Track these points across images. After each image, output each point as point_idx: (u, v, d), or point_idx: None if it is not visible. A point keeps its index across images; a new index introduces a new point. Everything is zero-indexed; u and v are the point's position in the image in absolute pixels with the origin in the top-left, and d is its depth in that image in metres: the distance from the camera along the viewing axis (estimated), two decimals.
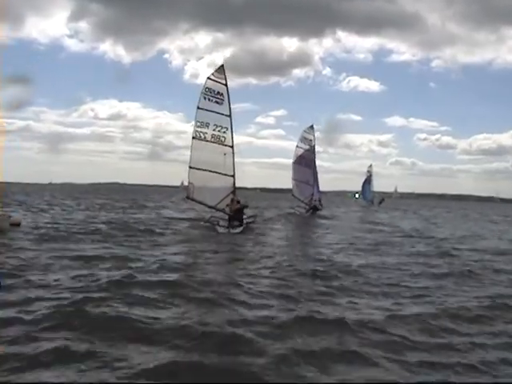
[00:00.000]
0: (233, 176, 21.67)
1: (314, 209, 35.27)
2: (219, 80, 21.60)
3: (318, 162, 37.47)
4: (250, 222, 21.63)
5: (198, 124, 21.51)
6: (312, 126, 36.47)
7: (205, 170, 21.20)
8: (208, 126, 21.42)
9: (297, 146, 35.95)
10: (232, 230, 19.58)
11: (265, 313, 7.54)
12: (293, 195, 36.04)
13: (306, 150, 35.67)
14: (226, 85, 21.82)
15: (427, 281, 10.82)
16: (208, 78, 21.76)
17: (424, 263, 13.46)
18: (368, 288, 9.71)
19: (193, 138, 21.51)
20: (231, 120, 21.82)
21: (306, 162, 35.40)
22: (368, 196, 59.40)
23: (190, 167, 21.39)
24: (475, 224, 35.23)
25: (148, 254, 12.83)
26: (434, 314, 7.81)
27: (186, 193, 21.53)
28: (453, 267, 12.76)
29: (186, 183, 21.27)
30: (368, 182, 59.71)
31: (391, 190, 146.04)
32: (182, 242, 16.38)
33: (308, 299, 8.56)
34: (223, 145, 21.58)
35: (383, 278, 10.71)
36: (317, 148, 37.35)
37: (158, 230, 19.21)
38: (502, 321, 7.74)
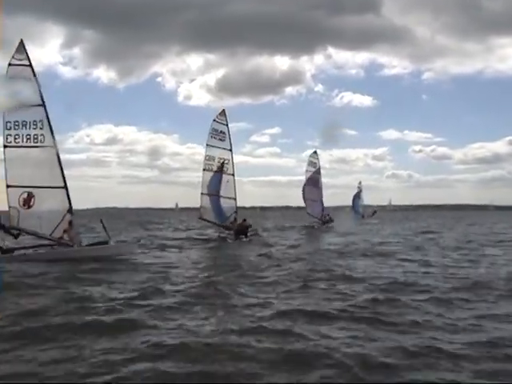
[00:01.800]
0: (235, 199, 25.80)
1: (329, 221, 40.33)
2: (221, 121, 25.96)
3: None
4: (253, 235, 25.31)
5: (207, 158, 25.68)
6: (316, 151, 41.91)
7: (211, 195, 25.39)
8: (214, 159, 25.51)
9: (306, 171, 40.33)
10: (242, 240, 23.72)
11: None
12: (308, 213, 40.07)
13: (314, 173, 40.20)
14: (227, 125, 26.10)
15: None
16: (214, 120, 26.00)
17: None
18: None
19: (203, 169, 25.64)
20: (232, 153, 26.06)
21: (313, 183, 39.83)
22: (358, 210, 64.02)
23: (202, 193, 25.58)
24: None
25: None
26: None
27: (180, 214, 25.69)
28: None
29: (180, 205, 25.30)
30: (358, 196, 64.90)
31: (387, 203, 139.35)
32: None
33: None
34: (226, 174, 25.57)
35: None
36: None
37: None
38: None
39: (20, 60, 15.64)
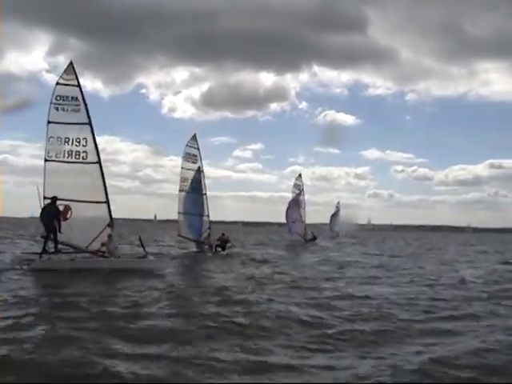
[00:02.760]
0: (208, 215, 27.68)
1: (313, 239, 42.62)
2: (193, 146, 27.86)
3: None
4: (230, 247, 27.08)
5: (182, 180, 27.49)
6: (300, 175, 45.76)
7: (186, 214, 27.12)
8: (188, 181, 27.36)
9: (292, 192, 44.07)
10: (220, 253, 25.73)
11: None
12: (289, 232, 42.89)
13: (297, 194, 43.75)
14: (198, 149, 28.03)
15: None
16: (186, 144, 27.88)
17: None
18: None
19: (179, 190, 27.29)
20: (203, 174, 27.98)
21: (297, 204, 42.86)
22: (335, 228, 67.43)
23: (179, 212, 27.19)
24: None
25: None
26: None
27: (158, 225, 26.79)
28: None
29: (159, 217, 26.42)
30: (335, 215, 68.30)
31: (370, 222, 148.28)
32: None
33: None
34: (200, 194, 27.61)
35: None
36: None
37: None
38: None
39: (68, 80, 16.56)
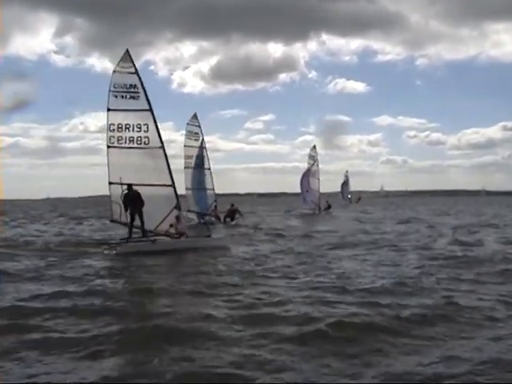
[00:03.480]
0: (213, 189, 30.06)
1: (327, 208, 44.45)
2: (194, 124, 27.74)
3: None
4: (238, 218, 29.06)
5: (186, 157, 28.82)
6: (315, 146, 46.57)
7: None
8: (192, 158, 28.84)
9: (307, 163, 44.73)
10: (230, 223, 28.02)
11: None
12: (304, 201, 43.28)
13: (312, 165, 44.34)
14: (199, 126, 29.68)
15: None
16: (187, 123, 29.87)
17: None
18: None
19: (184, 167, 28.90)
20: (206, 150, 28.76)
21: (312, 174, 43.78)
22: (345, 196, 71.52)
23: (186, 188, 28.71)
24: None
25: None
26: None
27: None
28: None
29: None
30: (345, 184, 72.36)
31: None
32: None
33: None
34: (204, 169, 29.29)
35: None
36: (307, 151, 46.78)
37: None
38: None
39: (125, 68, 16.97)
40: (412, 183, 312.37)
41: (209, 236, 18.00)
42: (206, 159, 29.32)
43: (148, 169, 17.05)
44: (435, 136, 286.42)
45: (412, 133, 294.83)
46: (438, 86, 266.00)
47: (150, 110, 17.05)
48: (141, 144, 17.05)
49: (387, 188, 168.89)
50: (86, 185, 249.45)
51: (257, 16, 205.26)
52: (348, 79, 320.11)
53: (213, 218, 28.56)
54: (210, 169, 29.63)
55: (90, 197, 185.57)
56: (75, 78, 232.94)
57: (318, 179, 44.47)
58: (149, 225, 16.93)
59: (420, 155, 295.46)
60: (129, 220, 16.54)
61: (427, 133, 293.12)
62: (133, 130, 16.99)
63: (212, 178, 29.64)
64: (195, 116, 29.43)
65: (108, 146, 17.00)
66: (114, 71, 17.05)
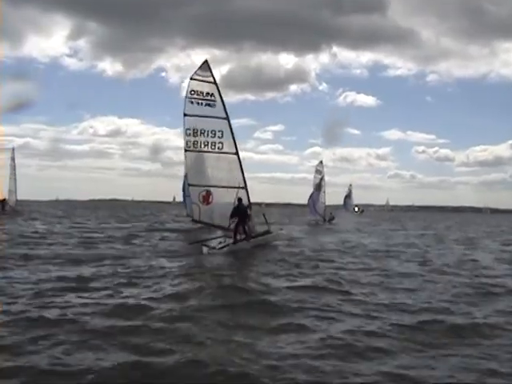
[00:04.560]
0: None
1: (331, 219, 46.81)
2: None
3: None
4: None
5: None
6: (321, 161, 48.43)
7: None
8: None
9: (314, 177, 46.76)
10: None
11: None
12: (310, 211, 46.17)
13: (321, 179, 46.59)
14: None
15: None
16: None
17: None
18: None
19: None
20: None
21: (318, 188, 46.17)
22: (349, 208, 74.64)
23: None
24: None
25: None
26: None
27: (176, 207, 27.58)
28: None
29: (177, 199, 27.56)
30: (348, 197, 75.42)
31: (390, 203, 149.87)
32: None
33: None
34: None
35: None
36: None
37: None
38: None
39: (203, 76, 18.05)
40: (419, 198, 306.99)
41: (269, 232, 19.58)
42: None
43: (222, 172, 18.28)
44: (444, 152, 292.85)
45: (421, 148, 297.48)
46: (448, 103, 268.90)
47: (227, 118, 18.27)
48: (215, 149, 18.21)
49: (395, 202, 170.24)
50: (95, 188, 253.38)
51: (269, 26, 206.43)
52: (358, 92, 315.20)
53: None
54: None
55: (99, 200, 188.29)
56: (87, 82, 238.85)
57: (324, 192, 46.99)
58: (223, 222, 18.09)
59: (428, 171, 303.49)
60: (233, 227, 17.60)
61: (436, 148, 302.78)
62: (207, 136, 18.12)
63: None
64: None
65: (185, 150, 18.07)
66: (192, 78, 18.07)
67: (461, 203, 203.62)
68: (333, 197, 78.68)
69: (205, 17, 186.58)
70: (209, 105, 18.11)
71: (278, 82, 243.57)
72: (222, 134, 18.25)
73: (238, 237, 17.57)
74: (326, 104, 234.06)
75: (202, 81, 18.07)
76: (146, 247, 18.39)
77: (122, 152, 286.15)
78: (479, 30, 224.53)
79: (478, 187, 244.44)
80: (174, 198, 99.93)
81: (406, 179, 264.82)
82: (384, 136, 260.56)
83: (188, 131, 18.05)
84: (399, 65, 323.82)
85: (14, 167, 46.28)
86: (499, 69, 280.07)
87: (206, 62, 18.25)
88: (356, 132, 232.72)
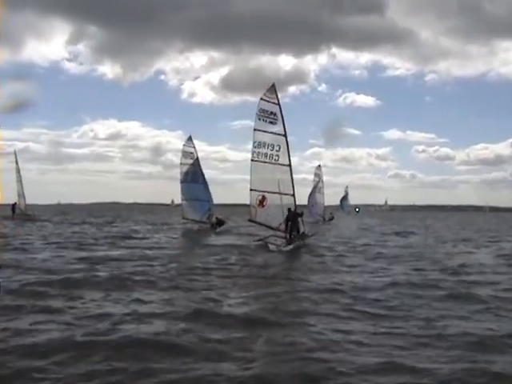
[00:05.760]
0: (208, 201, 32.53)
1: (331, 219, 50.96)
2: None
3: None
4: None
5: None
6: (319, 165, 52.25)
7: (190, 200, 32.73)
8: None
9: (313, 180, 50.64)
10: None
11: None
12: (310, 212, 46.70)
13: (318, 182, 50.40)
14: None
15: None
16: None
17: None
18: None
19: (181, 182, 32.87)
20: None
21: (317, 190, 49.86)
22: (345, 209, 78.46)
23: (182, 200, 33.22)
24: None
25: None
26: None
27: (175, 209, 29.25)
28: None
29: (176, 201, 30.00)
30: (345, 198, 79.03)
31: (390, 202, 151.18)
32: None
33: None
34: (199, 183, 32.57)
35: None
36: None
37: None
38: None
39: (270, 98, 21.35)
40: (420, 198, 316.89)
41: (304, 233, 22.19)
42: (200, 174, 32.63)
43: (276, 180, 21.33)
44: (444, 151, 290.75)
45: (421, 147, 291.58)
46: (447, 102, 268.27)
47: (285, 135, 21.42)
48: (271, 160, 21.41)
49: (395, 202, 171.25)
50: (95, 191, 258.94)
51: (268, 28, 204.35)
52: (358, 93, 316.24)
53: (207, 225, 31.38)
54: (204, 183, 32.67)
55: (100, 203, 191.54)
56: (87, 86, 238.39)
57: (323, 194, 50.60)
58: (273, 223, 21.39)
59: (428, 170, 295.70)
60: (287, 229, 20.57)
61: (436, 148, 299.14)
62: (267, 148, 21.38)
63: (208, 191, 32.62)
64: (190, 138, 33.17)
65: (252, 160, 21.51)
66: (261, 98, 21.41)
67: (462, 202, 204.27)
68: (333, 197, 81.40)
69: (203, 19, 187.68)
70: (271, 122, 21.35)
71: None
72: (280, 148, 21.40)
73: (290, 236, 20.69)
74: (326, 105, 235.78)
75: (268, 101, 21.35)
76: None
77: (122, 155, 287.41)
78: (478, 30, 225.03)
79: (479, 185, 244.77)
80: (173, 201, 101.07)
81: (407, 179, 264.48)
82: (384, 136, 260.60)
83: (255, 143, 21.43)
84: (398, 65, 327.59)
85: (18, 170, 43.52)
86: (498, 68, 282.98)
87: (273, 85, 21.56)
88: (356, 132, 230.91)
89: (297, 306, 9.35)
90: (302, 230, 21.47)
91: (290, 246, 19.80)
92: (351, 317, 8.43)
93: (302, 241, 21.35)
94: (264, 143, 21.36)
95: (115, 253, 17.37)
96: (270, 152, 21.41)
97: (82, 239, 22.96)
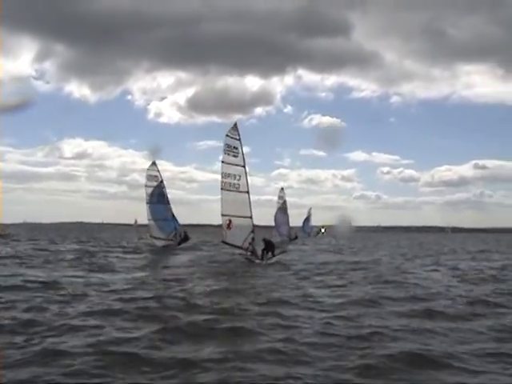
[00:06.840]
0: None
1: (295, 238, 53.54)
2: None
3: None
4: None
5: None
6: (283, 188, 55.82)
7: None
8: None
9: (277, 202, 53.86)
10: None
11: None
12: (277, 232, 50.81)
13: (282, 204, 53.71)
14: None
15: None
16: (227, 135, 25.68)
17: None
18: None
19: (147, 203, 36.04)
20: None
21: (283, 211, 53.19)
22: (306, 230, 77.52)
23: (149, 219, 36.28)
24: None
25: None
26: None
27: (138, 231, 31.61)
28: None
29: (139, 221, 32.33)
30: (307, 220, 78.42)
31: (355, 223, 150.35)
32: None
33: None
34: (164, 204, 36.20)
35: None
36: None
37: None
38: None
39: (233, 135, 25.07)
40: (385, 219, 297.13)
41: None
42: (165, 195, 36.11)
43: (238, 206, 25.04)
44: (408, 173, 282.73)
45: (386, 169, 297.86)
46: (412, 124, 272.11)
47: (244, 166, 25.17)
48: (234, 188, 25.08)
49: (361, 223, 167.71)
50: (61, 211, 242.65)
51: (235, 49, 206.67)
52: (323, 115, 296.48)
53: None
54: (169, 203, 36.31)
55: (66, 223, 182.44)
56: (53, 104, 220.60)
57: (288, 214, 53.93)
58: (237, 242, 25.08)
59: (393, 191, 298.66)
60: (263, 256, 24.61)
61: (401, 169, 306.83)
62: (231, 178, 25.04)
63: (171, 210, 36.10)
64: (154, 163, 36.34)
65: (221, 189, 25.10)
66: (227, 135, 25.09)
67: (426, 223, 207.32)
68: (297, 218, 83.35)
69: (172, 40, 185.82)
70: (234, 156, 25.12)
71: (244, 105, 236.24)
72: (240, 178, 25.10)
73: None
74: (291, 126, 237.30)
75: (231, 137, 25.10)
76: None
77: (87, 174, 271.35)
78: (441, 53, 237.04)
79: (442, 207, 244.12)
80: (136, 221, 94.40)
81: (372, 200, 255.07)
82: (349, 157, 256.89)
83: (223, 174, 25.02)
84: (364, 87, 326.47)
85: None
86: (461, 91, 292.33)
87: (235, 124, 25.43)
88: (321, 154, 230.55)
89: None
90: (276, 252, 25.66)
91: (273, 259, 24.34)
92: None
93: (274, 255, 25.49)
94: (229, 174, 25.01)
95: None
96: (233, 181, 25.03)
97: None
